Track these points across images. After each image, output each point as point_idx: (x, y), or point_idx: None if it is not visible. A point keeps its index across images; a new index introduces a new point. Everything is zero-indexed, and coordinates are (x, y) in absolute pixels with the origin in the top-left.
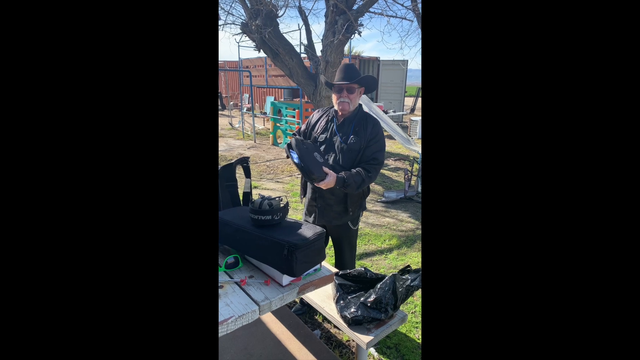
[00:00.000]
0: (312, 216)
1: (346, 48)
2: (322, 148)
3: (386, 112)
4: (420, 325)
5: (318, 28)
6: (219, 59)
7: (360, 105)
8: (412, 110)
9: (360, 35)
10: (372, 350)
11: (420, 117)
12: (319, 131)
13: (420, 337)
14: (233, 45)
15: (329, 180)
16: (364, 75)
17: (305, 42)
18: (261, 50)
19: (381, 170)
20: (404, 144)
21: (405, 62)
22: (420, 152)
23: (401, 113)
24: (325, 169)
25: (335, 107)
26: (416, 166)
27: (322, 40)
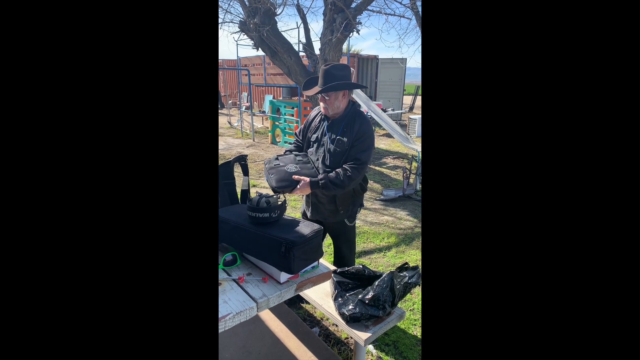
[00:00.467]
0: (310, 209)
1: (345, 46)
2: (313, 147)
3: (385, 111)
4: (418, 322)
5: (316, 26)
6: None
7: (352, 103)
8: (411, 108)
9: (359, 34)
10: (370, 347)
11: (418, 116)
12: (312, 130)
13: (418, 334)
14: (231, 43)
15: (301, 186)
16: (331, 84)
17: (303, 40)
18: (259, 49)
19: (380, 169)
20: (403, 142)
21: (403, 61)
22: (418, 150)
23: (400, 111)
24: (296, 177)
25: None
26: (415, 164)
27: (320, 38)
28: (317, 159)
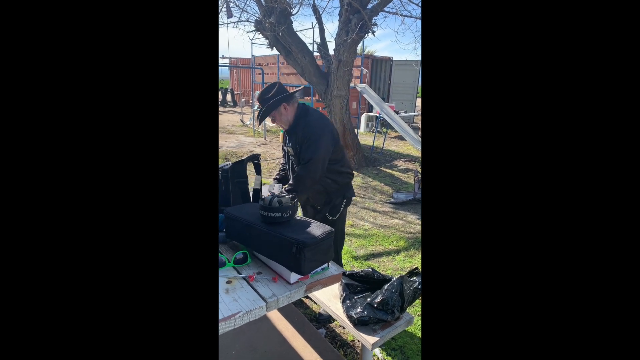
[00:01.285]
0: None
1: (359, 47)
2: (286, 159)
3: (397, 113)
4: None
5: (332, 27)
6: (232, 56)
7: (301, 108)
8: None
9: (374, 35)
10: (376, 351)
11: None
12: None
13: None
14: (246, 42)
15: None
16: (262, 111)
17: (318, 40)
18: (274, 48)
19: (391, 171)
20: (415, 145)
21: (418, 63)
22: None
23: (412, 114)
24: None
25: None
26: None
27: (335, 39)
28: (289, 168)
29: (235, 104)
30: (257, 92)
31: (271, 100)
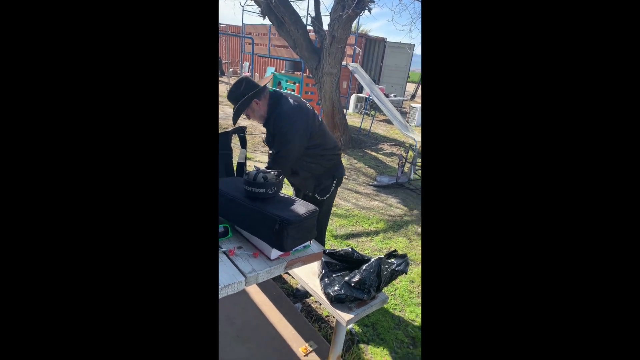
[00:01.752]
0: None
1: (354, 24)
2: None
3: (387, 96)
4: (398, 307)
5: (327, 0)
6: (221, 22)
7: (272, 100)
8: (413, 96)
9: (370, 12)
10: (349, 326)
11: (419, 105)
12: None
13: (397, 317)
14: (237, 8)
15: None
16: (234, 112)
17: (312, 13)
18: (266, 17)
19: (375, 154)
20: (402, 130)
21: (411, 47)
22: (416, 139)
23: (402, 98)
24: None
25: None
26: (411, 153)
27: (330, 13)
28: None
29: (222, 74)
30: (246, 63)
31: (241, 99)
